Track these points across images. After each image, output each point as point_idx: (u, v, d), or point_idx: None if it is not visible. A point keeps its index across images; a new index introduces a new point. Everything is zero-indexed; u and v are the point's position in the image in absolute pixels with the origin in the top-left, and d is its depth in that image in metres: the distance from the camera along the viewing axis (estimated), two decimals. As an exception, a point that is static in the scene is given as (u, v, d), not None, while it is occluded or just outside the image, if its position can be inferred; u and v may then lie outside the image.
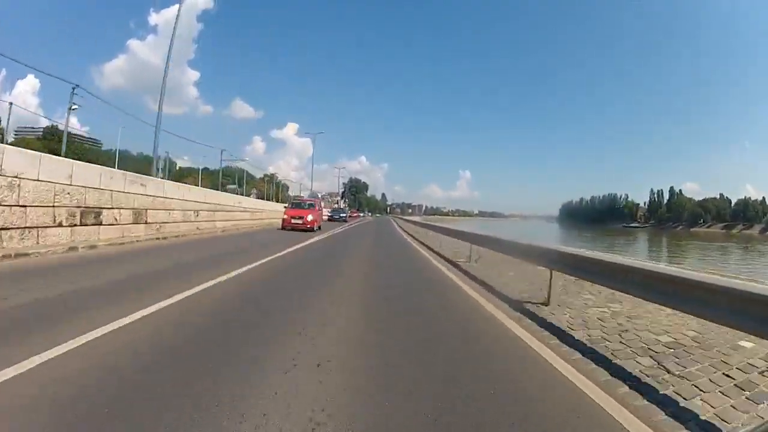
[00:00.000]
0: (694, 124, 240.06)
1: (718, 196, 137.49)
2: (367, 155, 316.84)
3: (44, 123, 70.02)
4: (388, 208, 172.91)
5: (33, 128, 71.04)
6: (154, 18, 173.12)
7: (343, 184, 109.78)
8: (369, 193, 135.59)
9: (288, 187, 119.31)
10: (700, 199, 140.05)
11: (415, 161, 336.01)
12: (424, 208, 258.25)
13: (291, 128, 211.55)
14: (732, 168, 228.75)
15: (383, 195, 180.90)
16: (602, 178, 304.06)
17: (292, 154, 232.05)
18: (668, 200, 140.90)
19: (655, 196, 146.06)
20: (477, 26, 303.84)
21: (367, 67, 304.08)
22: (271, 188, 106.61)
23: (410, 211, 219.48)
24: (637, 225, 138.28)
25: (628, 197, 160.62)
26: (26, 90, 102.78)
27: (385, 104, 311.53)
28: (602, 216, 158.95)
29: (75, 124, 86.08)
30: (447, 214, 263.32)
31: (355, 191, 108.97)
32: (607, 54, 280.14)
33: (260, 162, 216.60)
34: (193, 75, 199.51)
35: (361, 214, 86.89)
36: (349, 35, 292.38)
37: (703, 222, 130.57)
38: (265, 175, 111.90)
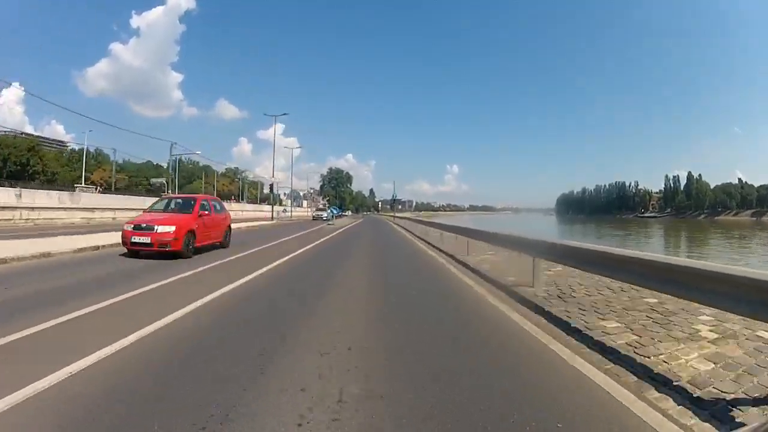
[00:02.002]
0: (682, 112, 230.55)
1: (735, 181, 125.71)
2: (354, 153, 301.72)
3: (28, 129, 69.61)
4: (378, 205, 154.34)
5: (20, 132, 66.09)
6: (136, 20, 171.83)
7: (321, 176, 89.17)
8: (356, 189, 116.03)
9: (263, 185, 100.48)
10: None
11: (403, 157, 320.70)
12: (414, 204, 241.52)
13: (277, 128, 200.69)
14: (722, 154, 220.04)
15: (371, 191, 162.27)
16: (591, 170, 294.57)
17: (279, 155, 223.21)
18: (686, 187, 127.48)
19: (671, 182, 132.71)
20: (465, 17, 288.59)
21: (352, 66, 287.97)
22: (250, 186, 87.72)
23: (400, 207, 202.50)
24: (653, 214, 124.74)
25: (638, 185, 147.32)
26: (11, 98, 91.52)
27: (372, 101, 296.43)
28: (610, 206, 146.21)
29: (60, 132, 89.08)
30: (438, 210, 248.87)
31: (335, 184, 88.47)
32: (594, 47, 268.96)
33: (248, 163, 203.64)
34: (177, 77, 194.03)
35: (324, 214, 42.57)
36: (332, 34, 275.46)
37: (724, 209, 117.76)
38: (228, 170, 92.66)
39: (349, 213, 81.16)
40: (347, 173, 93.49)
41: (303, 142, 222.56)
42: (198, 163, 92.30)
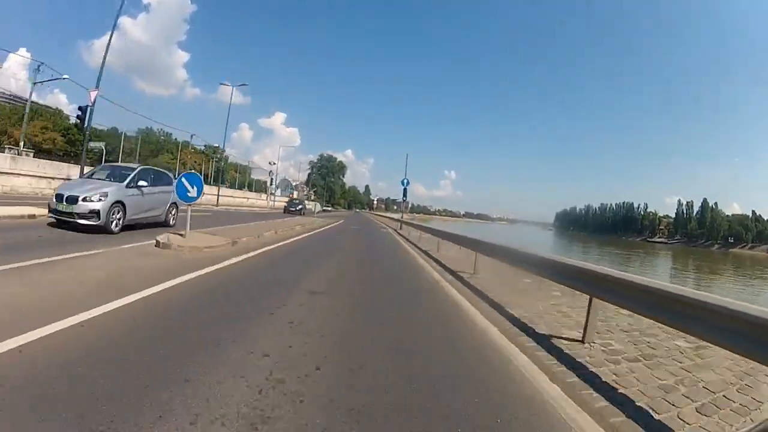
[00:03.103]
0: (682, 139, 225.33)
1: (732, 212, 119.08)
2: (354, 149, 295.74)
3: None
4: (373, 203, 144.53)
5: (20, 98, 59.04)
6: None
7: (310, 162, 76.97)
8: (350, 183, 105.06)
9: (251, 170, 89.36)
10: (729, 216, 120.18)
11: (401, 158, 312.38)
12: (410, 205, 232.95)
13: (278, 117, 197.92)
14: (720, 185, 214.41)
15: (367, 187, 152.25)
16: (586, 190, 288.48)
17: (279, 143, 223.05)
18: (700, 215, 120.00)
19: (684, 208, 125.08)
20: (471, 22, 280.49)
21: (358, 65, 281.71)
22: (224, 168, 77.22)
23: (395, 207, 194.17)
24: (662, 240, 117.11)
25: (647, 207, 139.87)
26: (17, 62, 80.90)
27: (374, 101, 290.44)
28: (615, 226, 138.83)
29: (63, 101, 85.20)
30: (434, 214, 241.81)
31: (325, 173, 74.29)
32: (600, 61, 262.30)
33: (247, 150, 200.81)
34: (183, 56, 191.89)
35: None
36: (339, 30, 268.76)
37: (737, 241, 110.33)
38: (207, 147, 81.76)
39: (319, 207, 45.44)
40: (340, 162, 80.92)
41: (304, 136, 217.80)
42: (171, 134, 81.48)
